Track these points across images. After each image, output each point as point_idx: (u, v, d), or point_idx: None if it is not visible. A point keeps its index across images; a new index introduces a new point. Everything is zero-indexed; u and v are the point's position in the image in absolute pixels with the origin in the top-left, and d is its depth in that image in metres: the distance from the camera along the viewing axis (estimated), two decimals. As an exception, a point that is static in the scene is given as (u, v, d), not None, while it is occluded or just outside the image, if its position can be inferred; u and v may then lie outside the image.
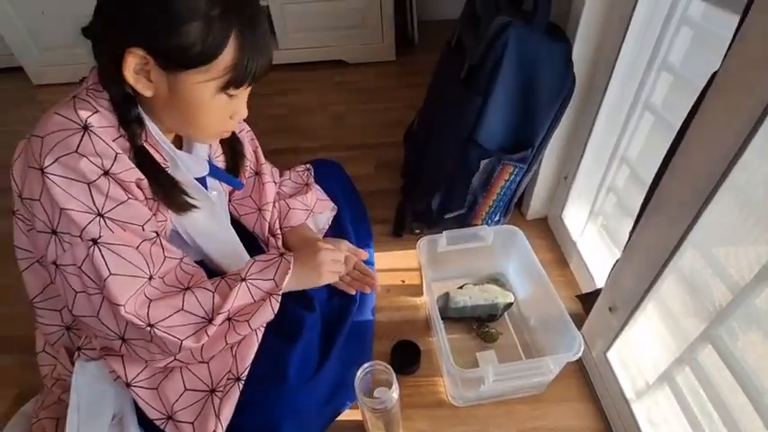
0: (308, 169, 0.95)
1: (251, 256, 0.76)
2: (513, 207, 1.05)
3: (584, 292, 0.93)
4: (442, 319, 0.88)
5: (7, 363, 0.93)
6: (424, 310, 0.94)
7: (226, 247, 0.73)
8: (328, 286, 0.83)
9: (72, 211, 0.50)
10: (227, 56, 0.51)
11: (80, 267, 0.52)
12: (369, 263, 1.01)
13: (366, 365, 0.63)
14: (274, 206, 0.83)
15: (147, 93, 0.52)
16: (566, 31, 0.82)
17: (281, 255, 0.64)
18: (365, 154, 1.38)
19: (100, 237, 0.51)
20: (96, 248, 0.51)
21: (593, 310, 0.78)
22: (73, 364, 0.63)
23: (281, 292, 0.61)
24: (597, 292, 0.79)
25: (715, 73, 0.49)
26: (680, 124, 0.55)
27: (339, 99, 1.70)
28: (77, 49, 1.91)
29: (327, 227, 0.95)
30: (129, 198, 0.54)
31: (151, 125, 0.56)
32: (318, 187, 0.92)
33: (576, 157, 0.92)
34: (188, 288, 0.58)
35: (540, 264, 0.84)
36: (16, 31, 1.82)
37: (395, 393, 0.62)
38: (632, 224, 0.66)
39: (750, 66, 0.44)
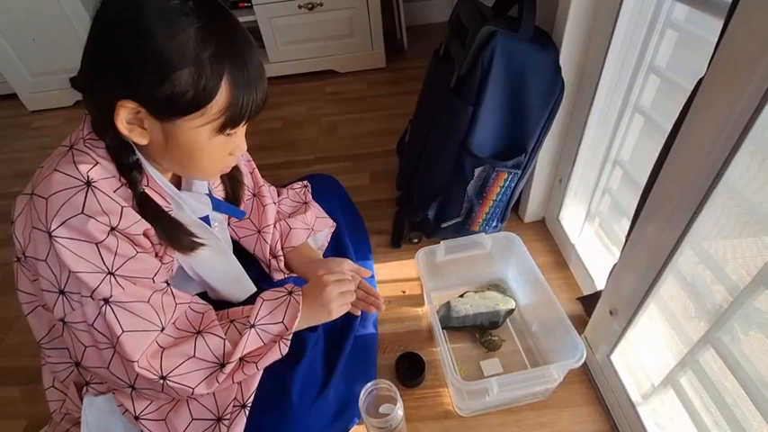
0: (306, 186, 0.95)
1: (251, 277, 0.76)
2: (511, 211, 1.05)
3: (584, 293, 0.93)
4: (445, 328, 0.89)
5: (14, 394, 0.94)
6: (427, 320, 0.94)
7: (229, 277, 0.73)
8: None
9: (82, 274, 0.49)
10: (221, 98, 0.49)
11: (91, 325, 0.51)
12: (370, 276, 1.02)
13: (369, 385, 0.64)
14: (275, 227, 0.82)
15: (143, 141, 0.51)
16: (552, 37, 0.83)
17: (290, 293, 0.64)
18: (360, 164, 1.39)
19: (111, 296, 0.51)
20: (108, 307, 0.51)
21: (595, 313, 0.78)
22: (82, 398, 0.63)
23: (290, 336, 0.61)
24: (598, 294, 0.79)
25: (702, 78, 0.50)
26: (670, 126, 0.56)
27: (332, 110, 1.70)
28: (69, 74, 1.92)
29: (327, 244, 0.95)
30: (138, 252, 0.54)
31: (151, 169, 0.56)
32: (317, 205, 0.92)
33: (570, 160, 0.92)
34: (199, 332, 0.58)
35: (540, 266, 0.84)
36: (8, 59, 1.83)
37: (400, 410, 0.63)
38: (628, 227, 0.66)
39: (736, 69, 0.44)
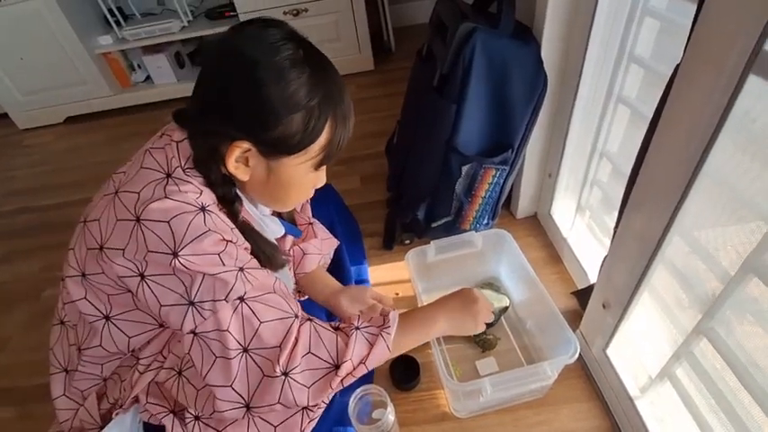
0: None
1: None
2: (502, 208, 1.04)
3: (579, 287, 0.92)
4: (439, 329, 0.88)
5: (10, 415, 0.93)
6: (421, 322, 0.93)
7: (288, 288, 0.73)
8: (328, 312, 0.83)
9: (221, 273, 0.51)
10: (323, 137, 0.54)
11: (226, 330, 0.51)
12: (364, 280, 1.01)
13: (358, 391, 0.63)
14: (289, 254, 0.82)
15: (245, 177, 0.54)
16: (533, 31, 0.82)
17: (383, 314, 0.64)
18: (351, 167, 1.38)
19: (245, 292, 0.52)
20: (244, 305, 0.52)
21: (588, 307, 0.77)
22: (100, 411, 0.62)
23: (390, 326, 0.60)
24: (591, 288, 0.78)
25: (679, 64, 0.49)
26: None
27: (322, 114, 1.70)
28: (58, 90, 1.93)
29: (329, 261, 0.93)
30: (251, 258, 0.57)
31: (243, 199, 0.59)
32: (320, 224, 0.90)
33: (558, 154, 0.91)
34: (310, 319, 0.58)
35: (534, 261, 0.83)
36: (-3, 79, 1.83)
37: (391, 415, 0.62)
38: (616, 219, 0.66)
39: (711, 53, 0.44)
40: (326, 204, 1.01)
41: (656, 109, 0.54)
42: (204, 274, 0.50)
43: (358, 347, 0.57)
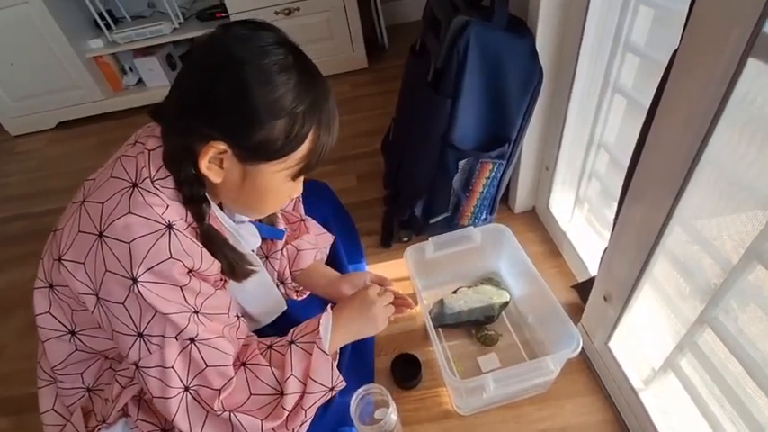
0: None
1: None
2: (500, 202, 1.04)
3: (579, 280, 0.91)
4: (440, 326, 0.87)
5: (4, 425, 0.91)
6: (422, 319, 0.92)
7: (267, 298, 0.73)
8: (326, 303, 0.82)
9: (173, 315, 0.50)
10: (305, 147, 0.52)
11: (171, 367, 0.51)
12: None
13: (360, 391, 0.62)
14: (282, 253, 0.80)
15: (217, 179, 0.52)
16: (527, 23, 0.81)
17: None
18: (346, 166, 1.37)
19: (197, 335, 0.52)
20: (193, 345, 0.52)
21: (589, 300, 0.77)
22: (87, 428, 0.61)
23: (321, 336, 0.59)
24: (592, 281, 0.77)
25: (676, 50, 0.48)
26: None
27: (316, 114, 1.69)
28: (50, 95, 1.91)
29: (325, 258, 0.92)
30: (216, 290, 0.55)
31: (213, 206, 0.57)
32: (313, 221, 0.89)
33: (555, 147, 0.90)
34: (244, 364, 0.58)
35: (533, 256, 0.82)
36: (-13, 85, 1.81)
37: (393, 414, 0.61)
38: (615, 211, 0.65)
39: (709, 37, 0.43)
40: (321, 203, 1.00)
41: (654, 97, 0.53)
42: (156, 312, 0.49)
43: (296, 360, 0.57)
